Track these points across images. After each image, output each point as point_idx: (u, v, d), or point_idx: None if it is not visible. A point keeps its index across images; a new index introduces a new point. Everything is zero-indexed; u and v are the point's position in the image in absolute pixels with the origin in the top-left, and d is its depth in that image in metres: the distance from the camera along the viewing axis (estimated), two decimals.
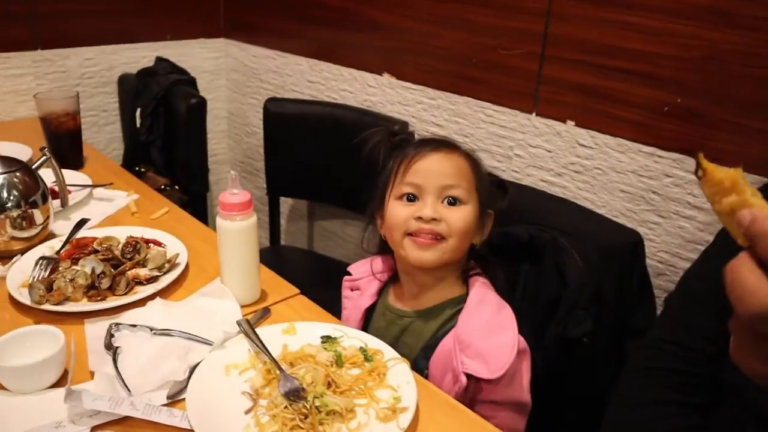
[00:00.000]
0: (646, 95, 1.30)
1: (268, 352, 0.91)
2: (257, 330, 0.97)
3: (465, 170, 1.05)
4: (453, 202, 1.02)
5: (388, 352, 0.93)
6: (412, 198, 1.04)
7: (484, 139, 1.63)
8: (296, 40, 2.18)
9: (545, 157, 1.51)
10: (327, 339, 0.96)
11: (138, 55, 2.32)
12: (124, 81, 2.29)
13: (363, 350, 0.93)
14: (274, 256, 2.09)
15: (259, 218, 1.09)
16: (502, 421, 0.97)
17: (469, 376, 0.95)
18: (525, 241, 1.17)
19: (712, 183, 0.50)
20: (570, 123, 1.44)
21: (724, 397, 0.85)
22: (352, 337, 0.97)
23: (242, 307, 1.07)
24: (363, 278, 1.17)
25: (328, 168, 1.93)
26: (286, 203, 2.37)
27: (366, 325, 1.15)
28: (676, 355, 0.93)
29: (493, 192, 1.11)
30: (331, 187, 1.98)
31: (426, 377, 1.00)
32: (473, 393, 0.98)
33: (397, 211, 1.04)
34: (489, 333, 0.97)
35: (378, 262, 1.17)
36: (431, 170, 1.03)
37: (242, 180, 1.04)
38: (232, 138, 2.67)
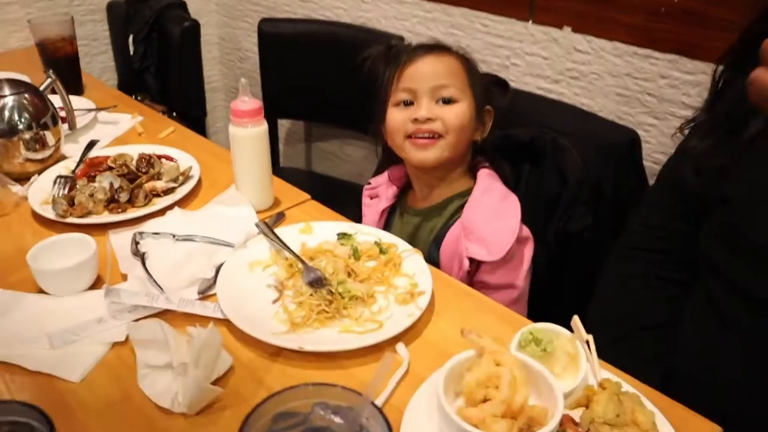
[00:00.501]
0: None
1: (289, 248, 0.96)
2: (275, 231, 1.01)
3: (457, 70, 1.09)
4: (447, 101, 1.07)
5: (402, 245, 0.99)
6: (408, 103, 1.08)
7: (481, 49, 1.64)
8: None
9: (542, 65, 1.53)
10: (343, 235, 1.01)
11: None
12: (113, 7, 2.26)
13: (378, 244, 0.98)
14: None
15: None
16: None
17: (471, 260, 1.01)
18: (526, 142, 1.21)
19: None
20: (567, 29, 1.46)
21: (702, 279, 0.92)
22: (366, 233, 1.02)
23: (257, 212, 1.11)
24: (381, 185, 1.23)
25: (325, 87, 1.93)
26: (283, 127, 2.39)
27: (385, 228, 1.20)
28: (657, 236, 1.02)
29: (493, 90, 1.14)
30: (329, 106, 1.99)
31: (438, 266, 1.06)
32: (475, 275, 1.04)
33: (394, 117, 1.09)
34: (492, 219, 1.03)
35: (393, 171, 1.23)
36: (423, 73, 1.07)
37: None
38: (225, 65, 2.65)
